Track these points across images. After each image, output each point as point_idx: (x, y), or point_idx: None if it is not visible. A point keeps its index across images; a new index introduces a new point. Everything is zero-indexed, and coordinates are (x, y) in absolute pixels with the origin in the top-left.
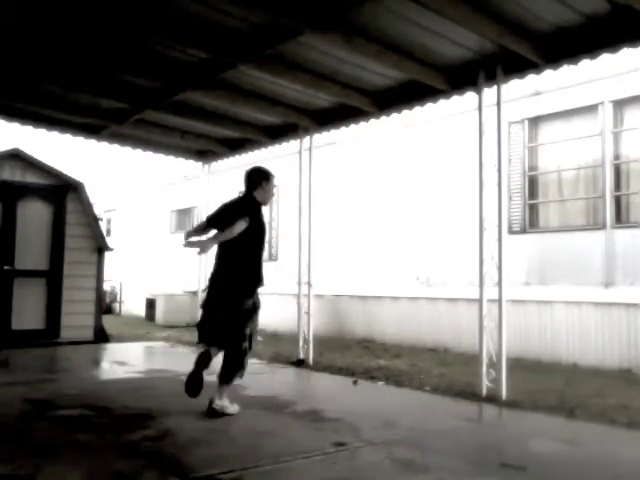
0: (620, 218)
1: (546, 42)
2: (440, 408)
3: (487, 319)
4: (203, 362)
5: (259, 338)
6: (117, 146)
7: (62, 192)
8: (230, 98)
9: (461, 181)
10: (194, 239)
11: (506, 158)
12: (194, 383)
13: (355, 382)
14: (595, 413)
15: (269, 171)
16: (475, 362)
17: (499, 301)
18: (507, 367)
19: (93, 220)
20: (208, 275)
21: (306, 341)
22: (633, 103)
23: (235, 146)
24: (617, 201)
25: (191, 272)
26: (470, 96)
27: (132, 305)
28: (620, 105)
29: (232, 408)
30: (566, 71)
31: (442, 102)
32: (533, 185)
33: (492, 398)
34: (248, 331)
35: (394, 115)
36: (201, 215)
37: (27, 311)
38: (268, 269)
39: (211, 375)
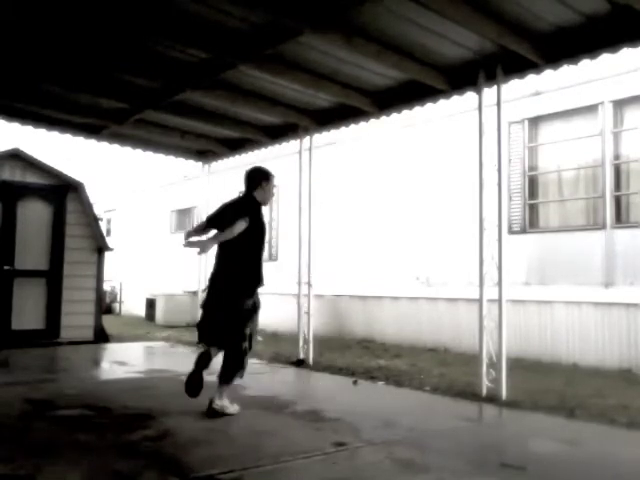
0: (620, 218)
1: (546, 42)
2: (440, 408)
3: (487, 319)
4: (203, 362)
5: (259, 338)
6: (117, 146)
7: (62, 192)
8: (230, 98)
9: (461, 181)
10: (194, 239)
11: (506, 158)
12: (194, 383)
13: (355, 382)
14: (595, 413)
15: (269, 171)
16: (475, 362)
17: (499, 301)
18: (507, 367)
19: (93, 220)
20: (208, 275)
21: (306, 341)
22: (633, 103)
23: (235, 146)
24: (617, 201)
25: (191, 272)
26: (470, 96)
27: (132, 305)
28: (620, 105)
29: (232, 408)
30: (566, 71)
31: (442, 102)
32: (533, 185)
33: (492, 398)
34: (248, 331)
35: (394, 115)
36: (201, 215)
37: (27, 311)
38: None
39: (211, 375)
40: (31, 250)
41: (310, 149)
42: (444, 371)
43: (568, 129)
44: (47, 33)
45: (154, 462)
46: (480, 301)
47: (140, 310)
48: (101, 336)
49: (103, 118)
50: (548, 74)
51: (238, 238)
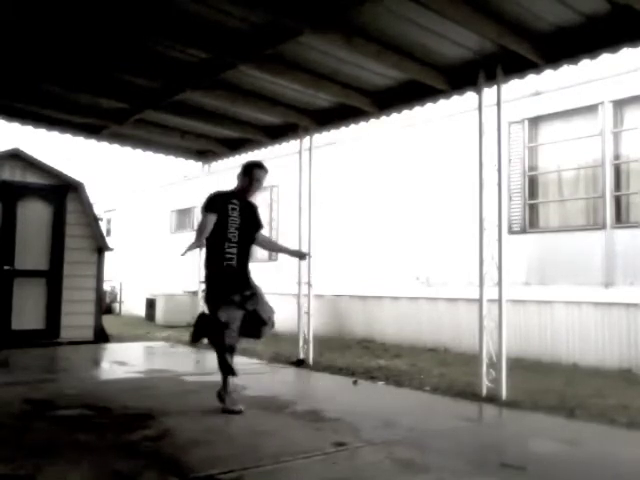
0: (620, 218)
1: (546, 42)
2: (440, 408)
3: (487, 319)
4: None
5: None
6: (117, 146)
7: (62, 192)
8: (230, 98)
9: (461, 181)
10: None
11: (506, 158)
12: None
13: (355, 382)
14: (595, 413)
15: (251, 163)
16: (475, 362)
17: (499, 301)
18: (507, 367)
19: (93, 220)
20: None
21: (306, 341)
22: (633, 103)
23: (235, 146)
24: (617, 201)
25: (191, 272)
26: (470, 96)
27: (132, 305)
28: (620, 105)
29: (232, 405)
30: (566, 71)
31: (442, 102)
32: (533, 185)
33: (492, 398)
34: (223, 324)
35: (394, 115)
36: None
37: (27, 311)
38: (268, 269)
39: (211, 375)
40: (31, 250)
41: (310, 149)
42: (444, 371)
43: (568, 129)
44: (47, 33)
45: (154, 462)
46: (480, 301)
47: (140, 310)
48: (101, 336)
49: (103, 118)
50: (548, 74)
51: (211, 233)
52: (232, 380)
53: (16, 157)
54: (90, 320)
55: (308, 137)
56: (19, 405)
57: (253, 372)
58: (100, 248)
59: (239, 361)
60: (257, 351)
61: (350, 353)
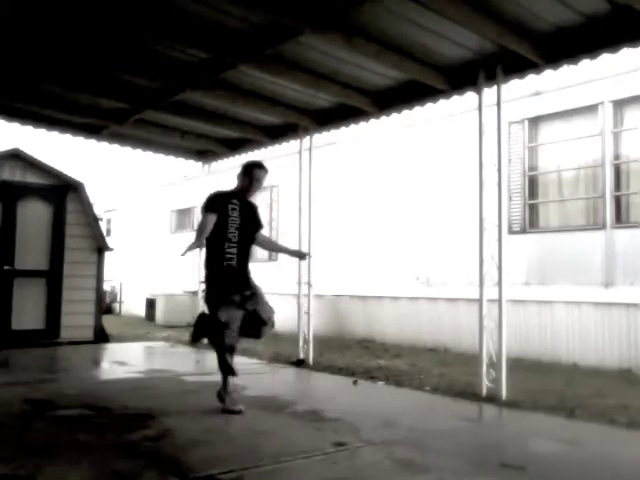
0: (620, 218)
1: (546, 42)
2: (440, 408)
3: (487, 319)
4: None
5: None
6: (117, 146)
7: (62, 192)
8: (230, 98)
9: (461, 181)
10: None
11: (506, 158)
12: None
13: (355, 382)
14: (595, 413)
15: (251, 163)
16: (475, 362)
17: (499, 301)
18: (507, 367)
19: (93, 220)
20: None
21: (306, 341)
22: (633, 103)
23: (235, 146)
24: (617, 201)
25: (191, 272)
26: (470, 96)
27: (132, 305)
28: (620, 105)
29: (232, 405)
30: (566, 71)
31: (442, 102)
32: (533, 185)
33: (492, 398)
34: (223, 324)
35: (394, 115)
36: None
37: (27, 311)
38: (268, 269)
39: (211, 375)
40: (31, 250)
41: (310, 149)
42: (444, 371)
43: (568, 129)
44: (47, 33)
45: (154, 462)
46: (480, 301)
47: (140, 310)
48: (101, 336)
49: (103, 118)
50: (548, 74)
51: (211, 233)
52: (232, 380)
53: (16, 157)
54: (90, 320)
55: (308, 137)
56: (19, 405)
57: (253, 372)
58: (100, 248)
59: (239, 361)
60: (257, 351)
61: (350, 353)
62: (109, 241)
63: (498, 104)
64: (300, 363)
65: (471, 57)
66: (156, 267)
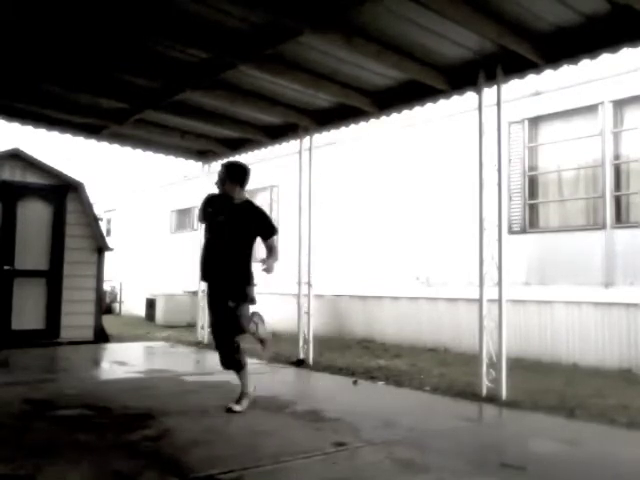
0: (620, 218)
1: (546, 42)
2: (440, 408)
3: (487, 319)
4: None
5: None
6: (117, 146)
7: (62, 192)
8: (230, 98)
9: (461, 181)
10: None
11: (506, 158)
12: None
13: (355, 382)
14: (595, 413)
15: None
16: (475, 362)
17: (499, 301)
18: (507, 367)
19: (93, 220)
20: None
21: (306, 341)
22: (633, 103)
23: (235, 146)
24: (617, 201)
25: (191, 272)
26: (470, 96)
27: (132, 305)
28: (620, 105)
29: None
30: (566, 71)
31: (442, 102)
32: (533, 185)
33: (492, 398)
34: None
35: (394, 115)
36: None
37: (27, 311)
38: None
39: (211, 375)
40: (31, 250)
41: (310, 149)
42: (444, 371)
43: (568, 129)
44: (47, 33)
45: (154, 462)
46: (480, 301)
47: (140, 310)
48: (101, 336)
49: (103, 118)
50: (548, 74)
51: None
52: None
53: (16, 157)
54: (90, 320)
55: (308, 137)
56: (19, 405)
57: (253, 372)
58: (100, 248)
59: None
60: (257, 351)
61: (350, 353)
62: (109, 241)
63: (498, 104)
64: (300, 363)
65: (471, 57)
66: (156, 267)
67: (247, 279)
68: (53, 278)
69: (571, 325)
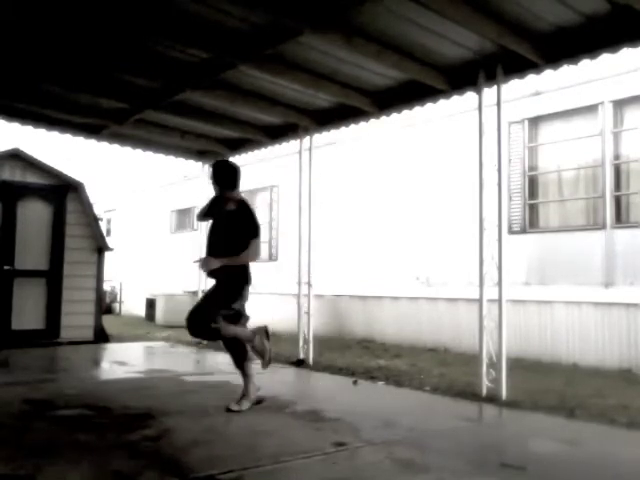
0: (620, 218)
1: (546, 42)
2: (440, 408)
3: (487, 319)
4: None
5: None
6: (117, 146)
7: (62, 192)
8: (230, 98)
9: (461, 181)
10: None
11: (506, 158)
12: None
13: (355, 382)
14: (595, 413)
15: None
16: (475, 362)
17: (499, 301)
18: (507, 367)
19: (93, 220)
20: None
21: (306, 341)
22: (633, 103)
23: (235, 146)
24: (617, 201)
25: (191, 272)
26: (470, 96)
27: (132, 305)
28: (620, 105)
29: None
30: (566, 71)
31: (442, 102)
32: (533, 185)
33: (492, 398)
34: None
35: (394, 115)
36: None
37: (27, 311)
38: (268, 269)
39: (211, 375)
40: (31, 250)
41: (310, 149)
42: (444, 371)
43: (568, 129)
44: (47, 33)
45: (154, 462)
46: (480, 301)
47: (140, 310)
48: (101, 336)
49: (103, 118)
50: (548, 74)
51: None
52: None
53: (16, 157)
54: (90, 320)
55: (308, 137)
56: (19, 405)
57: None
58: (100, 248)
59: None
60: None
61: (350, 353)
62: (109, 241)
63: (498, 104)
64: (300, 363)
65: (471, 57)
66: (156, 267)
67: (238, 279)
68: (53, 278)
69: (571, 325)
